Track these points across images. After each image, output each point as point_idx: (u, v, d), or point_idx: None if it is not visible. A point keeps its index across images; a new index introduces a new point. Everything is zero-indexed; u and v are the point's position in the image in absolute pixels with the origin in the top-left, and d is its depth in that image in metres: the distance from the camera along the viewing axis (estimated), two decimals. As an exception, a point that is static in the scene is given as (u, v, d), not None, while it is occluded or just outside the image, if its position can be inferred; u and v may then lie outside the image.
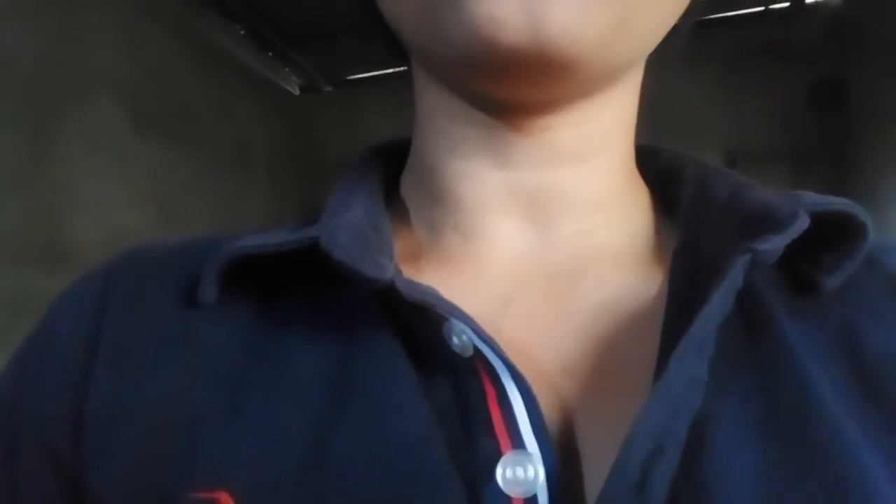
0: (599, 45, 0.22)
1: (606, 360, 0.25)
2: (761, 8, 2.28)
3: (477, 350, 0.22)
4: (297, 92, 2.68)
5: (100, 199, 1.59)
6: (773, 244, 0.22)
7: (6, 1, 1.35)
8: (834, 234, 0.25)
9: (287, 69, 2.55)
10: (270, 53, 2.40)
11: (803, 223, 0.23)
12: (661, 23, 0.25)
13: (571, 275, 0.28)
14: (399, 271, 0.24)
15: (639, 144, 0.31)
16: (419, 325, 0.24)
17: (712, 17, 2.24)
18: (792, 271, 0.26)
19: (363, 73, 2.59)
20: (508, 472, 0.21)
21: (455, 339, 0.23)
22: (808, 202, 0.24)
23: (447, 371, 0.24)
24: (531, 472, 0.21)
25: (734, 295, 0.22)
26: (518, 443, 0.21)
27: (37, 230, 1.43)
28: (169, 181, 1.85)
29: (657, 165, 0.32)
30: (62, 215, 1.50)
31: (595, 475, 0.21)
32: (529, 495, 0.21)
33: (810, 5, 2.25)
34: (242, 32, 2.23)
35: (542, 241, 0.29)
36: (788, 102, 2.23)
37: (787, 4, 2.26)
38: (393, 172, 0.33)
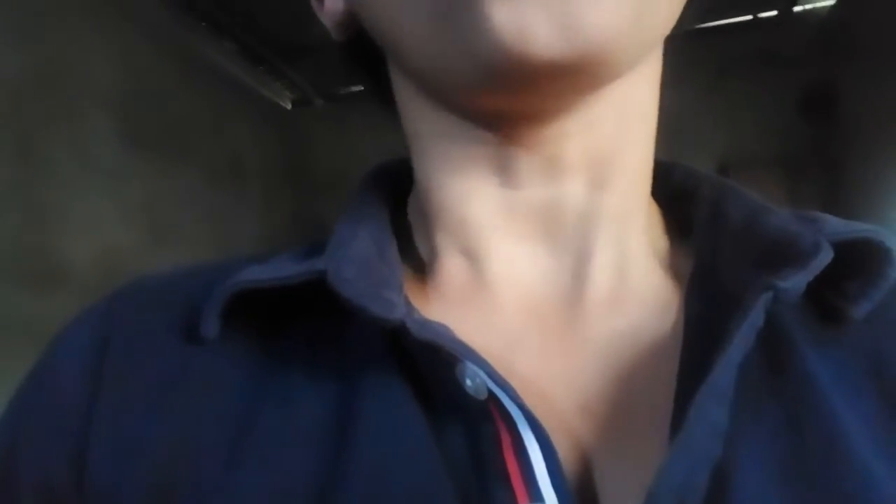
0: (631, 31, 0.21)
1: (625, 395, 0.24)
2: (750, 17, 2.29)
3: (491, 393, 0.21)
4: (289, 106, 2.68)
5: (91, 216, 1.58)
6: (796, 282, 0.22)
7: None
8: (858, 261, 0.24)
9: (279, 84, 2.55)
10: (262, 68, 2.39)
11: (826, 256, 0.22)
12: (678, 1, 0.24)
13: (586, 300, 0.26)
14: (409, 307, 0.23)
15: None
16: (429, 366, 0.23)
17: (702, 26, 2.25)
18: (816, 299, 0.25)
19: (355, 86, 2.58)
20: None
21: (468, 382, 0.21)
22: (831, 231, 0.23)
23: (459, 415, 0.22)
24: None
25: (755, 334, 0.22)
26: (535, 495, 0.20)
27: (27, 249, 1.42)
28: (161, 197, 1.83)
29: (670, 182, 0.30)
30: (53, 234, 1.48)
31: None
32: None
33: (799, 13, 2.26)
34: (234, 47, 2.22)
35: (554, 264, 0.27)
36: (780, 110, 2.24)
37: (775, 13, 2.27)
38: (400, 194, 0.31)
